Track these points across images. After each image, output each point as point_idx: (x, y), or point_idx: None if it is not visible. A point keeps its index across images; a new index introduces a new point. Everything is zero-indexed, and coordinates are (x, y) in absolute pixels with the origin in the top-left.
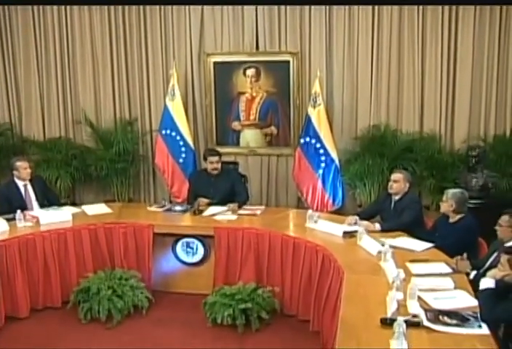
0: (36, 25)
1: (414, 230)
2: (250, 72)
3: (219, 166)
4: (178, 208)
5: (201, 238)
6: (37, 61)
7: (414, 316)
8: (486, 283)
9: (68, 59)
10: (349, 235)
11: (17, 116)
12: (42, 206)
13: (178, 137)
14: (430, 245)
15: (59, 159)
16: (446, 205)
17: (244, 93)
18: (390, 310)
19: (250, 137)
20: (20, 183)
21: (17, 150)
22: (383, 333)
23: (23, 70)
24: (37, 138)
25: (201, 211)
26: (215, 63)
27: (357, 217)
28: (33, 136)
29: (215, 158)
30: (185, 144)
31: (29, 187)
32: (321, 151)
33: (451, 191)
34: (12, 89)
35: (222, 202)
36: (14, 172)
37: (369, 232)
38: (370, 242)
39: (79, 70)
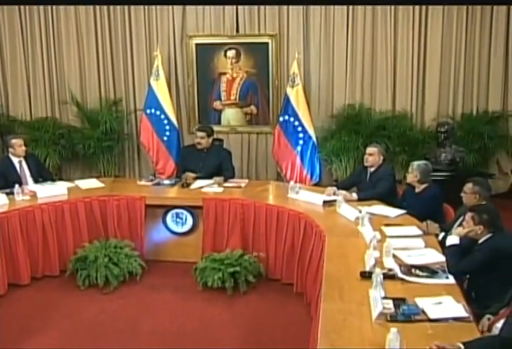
0: (20, 5)
1: (388, 199)
2: (231, 53)
3: (203, 141)
4: (167, 182)
5: (189, 208)
6: (23, 41)
7: (390, 270)
8: (452, 240)
9: (54, 40)
10: (328, 204)
11: (4, 96)
12: (36, 181)
13: (162, 116)
14: (402, 211)
15: (46, 138)
16: (412, 176)
17: (224, 74)
18: (369, 265)
19: (231, 115)
20: (15, 160)
21: (4, 130)
22: (363, 284)
23: (9, 50)
24: (24, 118)
25: (188, 185)
26: (197, 45)
27: (335, 188)
28: (20, 116)
29: (200, 134)
30: (169, 122)
31: (24, 163)
32: (299, 129)
33: (416, 163)
34: None
35: (208, 177)
36: (10, 149)
37: (347, 201)
38: (348, 209)
39: (64, 50)
